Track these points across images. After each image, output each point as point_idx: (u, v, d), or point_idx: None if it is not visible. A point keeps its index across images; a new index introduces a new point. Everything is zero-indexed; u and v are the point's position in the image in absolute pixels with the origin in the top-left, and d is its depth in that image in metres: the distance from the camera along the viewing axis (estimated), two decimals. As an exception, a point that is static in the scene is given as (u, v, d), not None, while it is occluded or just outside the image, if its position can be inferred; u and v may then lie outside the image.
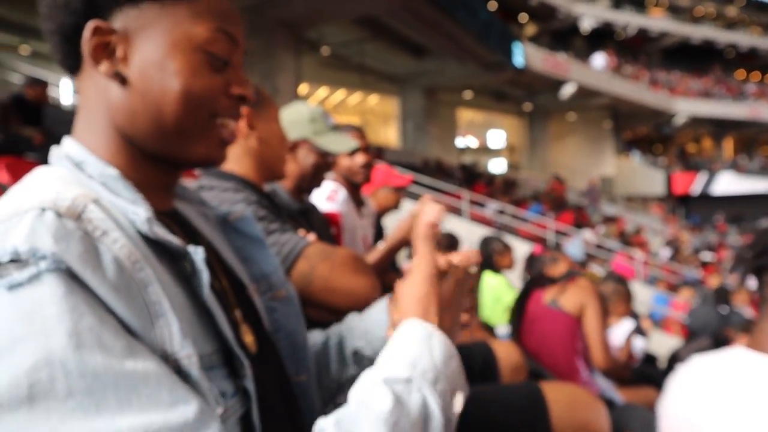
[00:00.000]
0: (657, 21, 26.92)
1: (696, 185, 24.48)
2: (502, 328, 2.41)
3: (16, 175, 2.13)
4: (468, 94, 20.80)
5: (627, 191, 23.18)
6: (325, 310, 1.28)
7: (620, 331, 2.82)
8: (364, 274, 1.26)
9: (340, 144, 1.65)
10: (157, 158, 0.69)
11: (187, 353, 0.56)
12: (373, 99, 21.90)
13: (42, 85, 4.79)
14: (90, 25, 0.63)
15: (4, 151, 2.63)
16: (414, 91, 18.30)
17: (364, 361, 0.92)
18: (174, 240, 0.62)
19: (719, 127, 26.85)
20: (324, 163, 1.67)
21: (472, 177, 15.31)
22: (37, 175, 0.63)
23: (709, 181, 24.61)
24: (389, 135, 19.71)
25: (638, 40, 27.10)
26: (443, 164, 15.27)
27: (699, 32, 27.26)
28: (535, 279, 2.90)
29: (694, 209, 23.84)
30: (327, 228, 1.85)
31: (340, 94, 21.03)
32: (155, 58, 0.64)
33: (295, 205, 1.64)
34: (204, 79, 0.66)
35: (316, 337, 1.00)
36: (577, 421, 1.28)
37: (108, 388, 0.47)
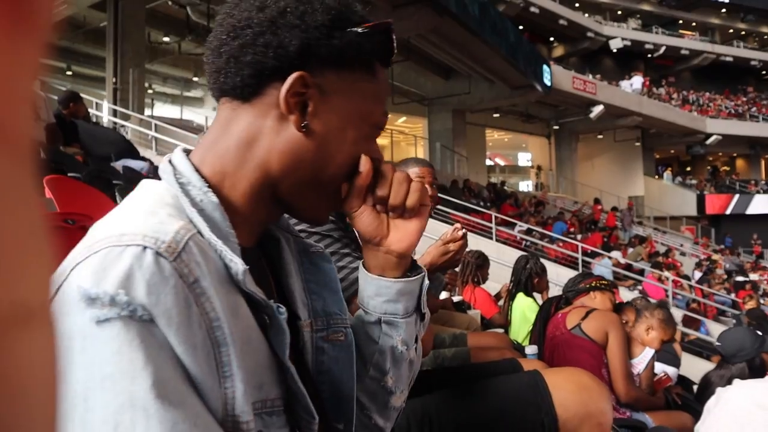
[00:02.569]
0: (688, 41, 26.70)
1: (730, 206, 23.97)
2: (531, 348, 2.44)
3: (59, 191, 2.28)
4: (496, 115, 20.85)
5: (657, 212, 22.83)
6: None
7: (641, 359, 2.79)
8: None
9: None
10: (280, 203, 0.73)
11: (246, 419, 0.57)
12: (402, 119, 22.10)
13: (75, 100, 4.74)
14: (297, 75, 0.66)
15: (49, 170, 2.76)
16: (442, 111, 18.42)
17: (380, 325, 0.83)
18: (260, 294, 0.64)
19: (753, 148, 26.34)
20: None
21: (500, 197, 15.30)
22: (145, 190, 0.66)
23: (744, 202, 24.07)
24: (418, 155, 19.82)
25: (669, 60, 26.88)
26: (471, 184, 15.30)
27: (731, 51, 26.95)
28: (553, 300, 2.92)
29: (727, 230, 23.28)
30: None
31: (368, 114, 21.22)
32: (340, 122, 0.71)
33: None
34: (363, 150, 0.74)
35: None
36: (580, 402, 1.31)
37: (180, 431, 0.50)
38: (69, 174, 3.02)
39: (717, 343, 2.95)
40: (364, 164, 0.73)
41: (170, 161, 0.70)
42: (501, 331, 3.71)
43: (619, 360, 2.52)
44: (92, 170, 3.47)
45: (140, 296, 0.52)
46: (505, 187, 18.21)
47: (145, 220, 0.58)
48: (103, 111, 9.88)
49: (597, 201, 18.46)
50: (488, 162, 25.13)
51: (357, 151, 0.73)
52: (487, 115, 20.56)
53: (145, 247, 0.54)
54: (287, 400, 0.66)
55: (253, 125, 0.69)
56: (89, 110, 7.13)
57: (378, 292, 0.81)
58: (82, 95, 9.13)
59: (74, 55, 15.24)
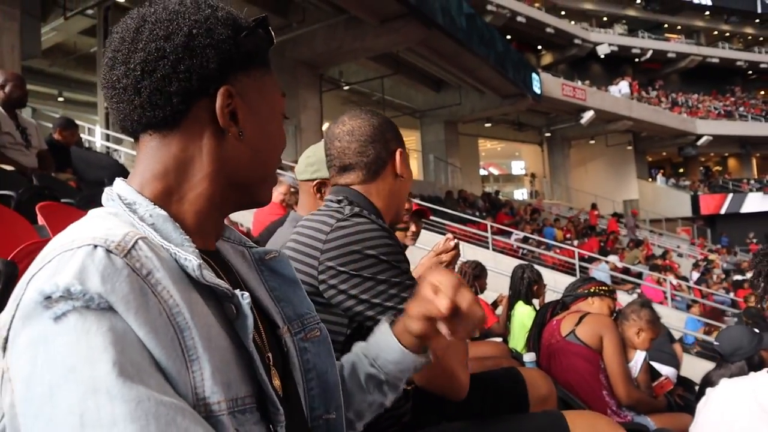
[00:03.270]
0: (674, 44, 26.98)
1: (724, 206, 24.07)
2: (529, 356, 2.43)
3: (52, 218, 2.28)
4: (488, 125, 20.95)
5: (652, 214, 22.91)
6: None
7: (634, 362, 2.78)
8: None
9: None
10: (240, 200, 0.78)
11: (217, 399, 0.58)
12: (394, 132, 22.17)
13: (69, 126, 4.68)
14: (224, 90, 0.70)
15: (42, 197, 2.76)
16: (434, 123, 18.52)
17: (382, 385, 0.93)
18: (222, 284, 0.65)
19: (744, 147, 26.54)
20: None
21: (495, 206, 15.34)
22: (93, 213, 0.68)
23: (737, 201, 24.18)
24: (411, 168, 19.87)
25: (656, 64, 27.13)
26: (466, 195, 15.34)
27: (716, 53, 27.23)
28: (549, 305, 2.92)
29: (723, 230, 23.35)
30: None
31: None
32: (261, 118, 0.76)
33: None
34: (283, 133, 0.83)
35: (345, 359, 1.04)
36: None
37: (149, 416, 0.50)
38: (62, 200, 3.01)
39: (715, 343, 2.95)
40: (444, 306, 0.76)
41: (111, 189, 0.72)
42: (499, 340, 3.71)
43: (617, 363, 2.51)
44: (85, 195, 3.46)
45: (95, 285, 0.53)
46: (500, 196, 18.26)
47: (93, 228, 0.60)
48: (95, 136, 9.89)
49: (594, 206, 18.55)
50: (482, 171, 25.21)
51: (281, 136, 0.81)
52: (479, 125, 20.68)
53: (95, 246, 0.56)
54: (259, 396, 0.67)
55: (189, 146, 0.71)
56: (81, 136, 7.14)
57: (401, 360, 0.89)
58: (75, 121, 9.17)
59: (66, 82, 15.27)
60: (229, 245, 0.85)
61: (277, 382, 0.73)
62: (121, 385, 0.50)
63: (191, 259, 0.63)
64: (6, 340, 0.55)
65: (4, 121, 3.51)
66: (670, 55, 26.44)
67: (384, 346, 0.90)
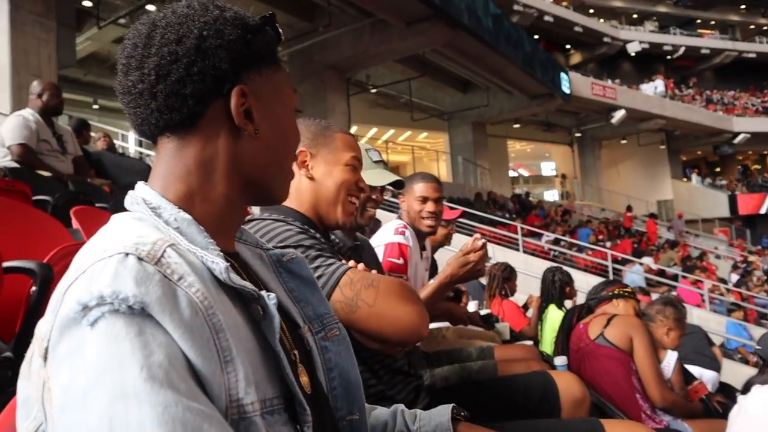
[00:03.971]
0: (707, 40, 26.35)
1: (764, 206, 23.37)
2: (560, 359, 2.39)
3: (86, 221, 2.33)
4: (517, 126, 20.77)
5: (688, 215, 22.39)
6: (367, 337, 1.28)
7: (666, 364, 2.70)
8: (410, 301, 1.22)
9: (377, 179, 1.74)
10: (257, 197, 0.80)
11: (251, 400, 0.59)
12: (423, 135, 22.15)
13: (86, 127, 4.69)
14: (238, 89, 0.71)
15: (77, 201, 2.83)
16: (462, 125, 18.44)
17: None
18: (248, 285, 0.66)
19: (784, 144, 25.77)
20: (366, 197, 1.74)
21: (525, 208, 15.18)
22: (118, 219, 0.69)
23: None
24: (440, 170, 19.84)
25: (689, 61, 26.52)
26: (495, 196, 15.22)
27: (753, 47, 26.48)
28: (575, 309, 2.86)
29: (763, 231, 22.65)
30: (378, 265, 1.94)
31: (389, 132, 21.38)
32: (275, 115, 0.77)
33: (348, 243, 1.74)
34: (297, 129, 0.84)
35: (380, 413, 1.07)
36: None
37: (176, 421, 0.49)
38: (97, 204, 3.09)
39: (757, 347, 2.85)
40: None
41: (134, 193, 0.73)
42: (530, 343, 3.66)
43: (649, 364, 2.44)
44: (119, 199, 3.53)
45: (130, 288, 0.54)
46: (530, 198, 18.07)
47: (123, 236, 0.61)
48: (129, 142, 10.12)
49: (629, 209, 18.23)
50: (512, 173, 25.00)
51: (295, 131, 0.83)
52: (507, 126, 20.51)
53: (127, 254, 0.57)
54: (287, 397, 0.67)
55: (207, 146, 0.73)
56: (115, 141, 7.30)
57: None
58: (109, 127, 9.39)
59: (100, 89, 15.66)
60: (246, 247, 0.87)
61: (305, 379, 0.74)
62: (149, 390, 0.50)
63: (218, 262, 0.64)
64: (46, 350, 0.56)
65: (42, 129, 3.61)
66: (703, 51, 25.82)
67: (438, 427, 1.04)
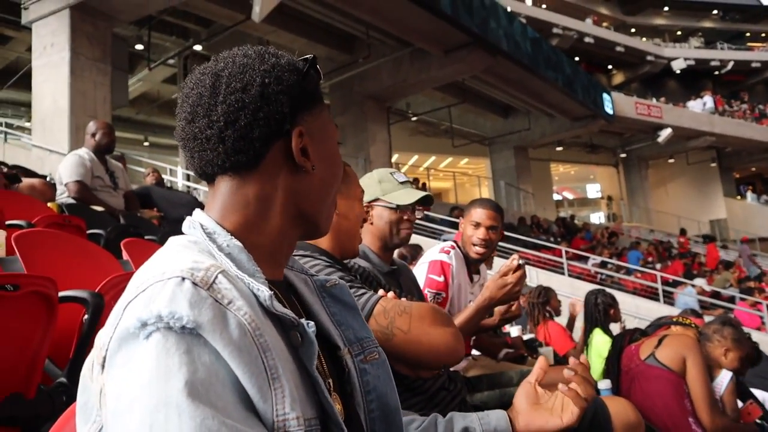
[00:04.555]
0: (758, 53, 25.57)
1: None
2: (604, 383, 2.33)
3: (135, 253, 2.44)
4: (559, 148, 20.54)
5: (743, 234, 21.47)
6: (406, 364, 1.31)
7: (719, 382, 2.59)
8: (444, 325, 1.25)
9: (406, 197, 1.77)
10: (307, 230, 0.84)
11: (296, 415, 0.62)
12: (464, 161, 22.13)
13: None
14: (298, 131, 0.77)
15: (128, 234, 2.96)
16: (504, 149, 18.35)
17: None
18: (289, 313, 0.69)
19: None
20: (398, 218, 1.79)
21: (570, 231, 14.90)
22: (176, 242, 0.74)
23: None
24: (482, 195, 19.75)
25: (739, 75, 25.76)
26: (539, 220, 15.01)
27: (806, 59, 25.54)
28: (627, 332, 2.80)
29: (827, 249, 21.50)
30: (416, 287, 1.96)
31: (430, 159, 21.46)
32: (325, 151, 0.82)
33: (384, 268, 1.76)
34: (341, 162, 0.89)
35: (427, 419, 1.10)
36: None
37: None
38: (146, 237, 3.22)
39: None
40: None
41: (192, 219, 0.79)
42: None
43: (701, 386, 2.36)
44: (167, 232, 3.68)
45: (184, 309, 0.58)
46: (575, 221, 17.73)
47: (180, 259, 0.66)
48: (177, 176, 10.49)
49: (683, 232, 17.63)
50: (556, 196, 24.63)
51: (340, 163, 0.89)
52: (550, 149, 20.30)
53: (183, 278, 0.62)
54: (323, 419, 0.70)
55: (267, 184, 0.78)
56: (164, 177, 7.58)
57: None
58: (158, 163, 9.77)
59: (150, 127, 16.38)
60: (293, 273, 0.91)
61: (338, 407, 0.77)
62: (189, 403, 0.54)
63: (263, 290, 0.68)
64: (104, 359, 0.61)
65: (96, 166, 3.81)
66: (754, 64, 25.05)
67: (495, 415, 1.09)
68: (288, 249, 0.84)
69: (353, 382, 0.88)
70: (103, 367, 0.61)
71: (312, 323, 0.71)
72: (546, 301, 4.39)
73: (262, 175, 0.77)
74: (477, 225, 2.32)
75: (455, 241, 2.40)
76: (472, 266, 2.41)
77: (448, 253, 2.26)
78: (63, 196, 3.73)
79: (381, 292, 1.33)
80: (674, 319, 2.81)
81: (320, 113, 0.82)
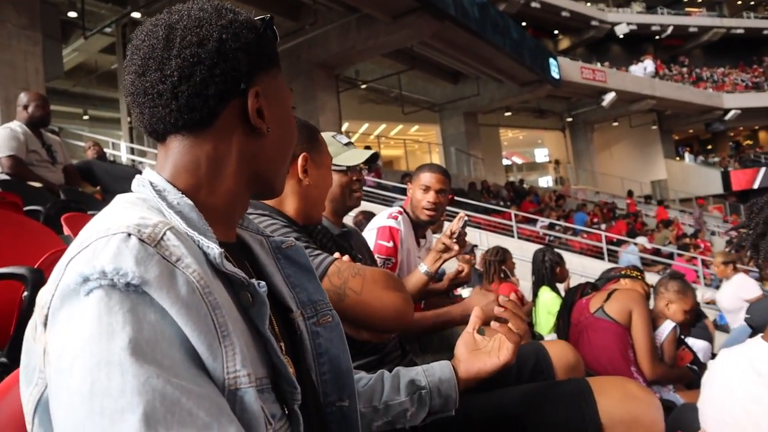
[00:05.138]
0: (695, 18, 26.34)
1: (757, 180, 23.43)
2: (551, 336, 2.44)
3: (77, 228, 2.37)
4: (508, 114, 20.79)
5: (682, 193, 22.44)
6: (355, 326, 1.32)
7: (660, 331, 2.74)
8: (396, 289, 1.27)
9: (354, 158, 1.77)
10: (260, 190, 0.84)
11: (246, 372, 0.61)
12: (414, 128, 22.15)
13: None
14: (254, 91, 0.76)
15: (69, 210, 2.86)
16: (454, 116, 18.45)
17: (416, 394, 1.07)
18: (239, 273, 0.69)
19: (775, 118, 25.85)
20: (348, 180, 1.79)
21: (519, 195, 15.22)
22: (122, 199, 0.72)
23: (772, 174, 23.50)
24: (432, 161, 19.86)
25: (678, 40, 26.52)
26: (489, 185, 15.26)
27: (741, 23, 26.46)
28: (578, 287, 2.91)
29: (758, 205, 22.64)
30: (367, 251, 1.97)
31: (381, 126, 21.39)
32: (280, 113, 0.81)
33: (335, 230, 1.77)
34: (295, 126, 0.88)
35: (372, 375, 1.12)
36: (627, 413, 1.24)
37: (156, 392, 0.52)
38: (89, 212, 3.11)
39: (746, 316, 2.90)
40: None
41: (142, 177, 0.76)
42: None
43: (644, 337, 2.50)
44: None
45: (129, 265, 0.57)
46: (524, 185, 18.11)
47: (126, 216, 0.64)
48: (121, 150, 10.14)
49: (630, 194, 18.24)
50: (505, 161, 25.01)
51: (294, 127, 0.88)
52: (499, 114, 20.53)
53: (129, 234, 0.60)
54: (274, 379, 0.71)
55: (220, 144, 0.76)
56: (106, 150, 7.32)
57: (448, 380, 1.09)
58: (100, 137, 9.39)
59: (90, 100, 15.67)
60: (248, 233, 0.90)
61: (291, 370, 0.77)
62: (133, 362, 0.52)
63: (213, 248, 0.67)
64: (46, 317, 0.59)
65: (30, 140, 3.64)
66: (692, 29, 25.80)
67: (440, 366, 1.11)
68: (241, 210, 0.83)
69: (305, 344, 0.89)
70: (45, 326, 0.59)
71: (263, 283, 0.70)
72: (503, 260, 4.49)
73: (216, 135, 0.75)
74: (426, 189, 2.34)
75: (402, 207, 2.42)
76: (419, 230, 2.45)
77: (396, 218, 2.27)
78: (-4, 172, 3.56)
79: (337, 254, 1.34)
80: (622, 272, 2.93)
81: (276, 75, 0.81)
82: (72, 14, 11.17)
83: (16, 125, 3.63)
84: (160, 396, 0.52)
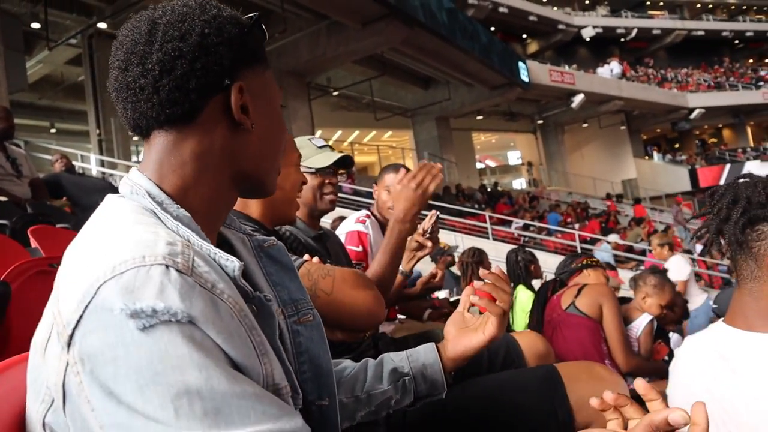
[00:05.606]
0: (658, 20, 26.99)
1: (722, 177, 24.05)
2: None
3: (44, 240, 2.32)
4: (480, 117, 20.99)
5: (652, 192, 22.89)
6: (329, 327, 1.35)
7: (637, 323, 2.79)
8: (366, 287, 1.28)
9: (325, 160, 1.77)
10: (248, 190, 0.83)
11: (284, 384, 0.65)
12: (388, 134, 22.21)
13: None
14: (237, 86, 0.75)
15: (36, 223, 2.80)
16: (426, 121, 18.56)
17: (399, 381, 1.05)
18: (248, 287, 0.71)
19: (737, 116, 26.54)
20: (320, 182, 1.78)
21: (493, 197, 15.35)
22: (126, 208, 0.71)
23: (736, 170, 24.13)
24: (407, 167, 19.89)
25: (642, 42, 27.15)
26: (463, 189, 15.36)
27: (701, 25, 27.22)
28: (548, 284, 2.94)
29: (725, 201, 23.22)
30: (344, 253, 1.97)
31: (354, 133, 21.40)
32: (266, 111, 0.80)
33: (310, 233, 1.76)
34: (284, 125, 0.87)
35: (356, 363, 1.11)
36: (594, 393, 1.26)
37: (232, 405, 0.56)
38: (58, 225, 3.05)
39: (713, 306, 2.96)
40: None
41: (134, 182, 0.75)
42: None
43: (615, 330, 2.53)
44: (81, 219, 3.50)
45: (176, 303, 0.58)
46: (498, 188, 18.28)
47: (152, 238, 0.63)
48: (90, 163, 9.95)
49: (609, 196, 18.47)
50: (479, 165, 25.23)
51: (283, 125, 0.86)
52: (470, 119, 20.71)
53: (167, 266, 0.60)
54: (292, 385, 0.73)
55: (204, 139, 0.75)
56: (75, 164, 7.17)
57: (432, 365, 1.07)
58: (68, 149, 9.18)
59: (57, 112, 15.36)
60: (231, 231, 0.90)
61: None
62: (209, 386, 0.56)
63: (233, 261, 0.68)
64: (70, 337, 0.58)
65: (-7, 154, 3.55)
66: (655, 31, 26.47)
67: (424, 351, 1.09)
68: (225, 210, 0.82)
69: (285, 343, 0.88)
70: (69, 345, 0.58)
71: (270, 296, 0.72)
72: (479, 261, 4.51)
73: (199, 131, 0.75)
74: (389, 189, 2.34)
75: (370, 210, 2.42)
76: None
77: (363, 222, 2.27)
78: (-41, 187, 3.47)
79: (306, 256, 1.34)
80: (584, 263, 2.95)
81: (263, 72, 0.81)
82: (35, 25, 10.94)
83: (-22, 139, 3.55)
84: (236, 406, 0.57)
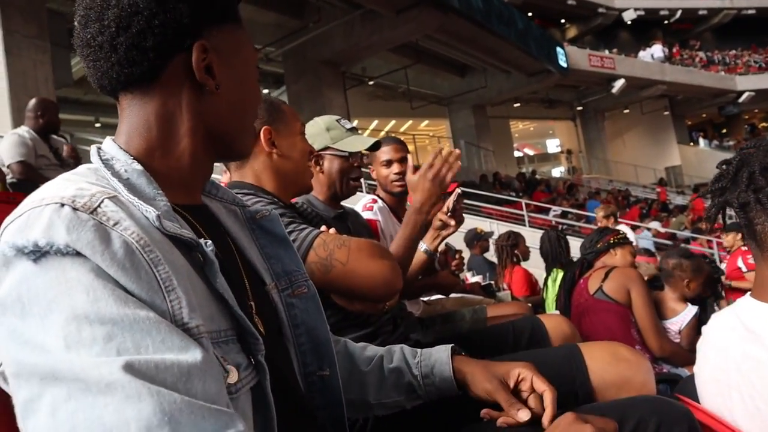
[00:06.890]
0: (704, 0, 25.98)
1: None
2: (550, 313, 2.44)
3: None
4: (517, 105, 20.68)
5: (697, 179, 22.17)
6: (345, 296, 1.33)
7: (682, 317, 2.70)
8: (382, 257, 1.26)
9: (357, 144, 1.73)
10: (221, 152, 0.81)
11: (196, 323, 0.61)
12: (424, 123, 22.10)
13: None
14: (199, 44, 0.72)
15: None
16: (463, 109, 18.37)
17: (412, 394, 1.03)
18: (185, 233, 0.67)
19: (790, 99, 25.42)
20: (349, 166, 1.76)
21: (530, 185, 15.14)
22: (73, 170, 0.71)
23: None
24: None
25: (687, 24, 26.16)
26: (500, 177, 15.20)
27: (752, 3, 26.01)
28: (575, 266, 2.88)
29: (775, 188, 22.35)
30: (369, 231, 1.95)
31: (391, 122, 21.36)
32: (236, 72, 0.78)
33: (331, 213, 1.75)
34: (258, 87, 0.86)
35: (374, 348, 1.09)
36: (617, 375, 1.25)
37: (125, 332, 0.54)
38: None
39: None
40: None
41: (98, 146, 0.75)
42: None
43: (646, 314, 2.47)
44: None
45: (61, 237, 0.57)
46: (537, 176, 18.00)
47: (64, 187, 0.63)
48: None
49: (661, 182, 18.02)
50: (517, 153, 24.90)
51: (256, 88, 0.84)
52: (508, 106, 20.42)
53: (62, 204, 0.59)
54: (239, 331, 0.71)
55: (169, 100, 0.74)
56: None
57: (442, 377, 1.02)
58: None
59: (101, 107, 15.82)
60: (222, 204, 0.89)
61: (260, 328, 0.77)
62: (96, 310, 0.54)
63: (150, 210, 0.65)
64: None
65: (38, 145, 3.69)
66: (701, 12, 25.43)
67: (437, 362, 1.03)
68: (203, 171, 0.81)
69: (281, 316, 0.89)
70: None
71: (210, 242, 0.69)
72: (515, 244, 4.49)
73: (163, 92, 0.73)
74: (388, 163, 2.29)
75: (376, 194, 2.36)
76: (400, 211, 2.36)
77: (371, 209, 2.22)
78: (8, 177, 3.62)
79: (323, 227, 1.34)
80: (611, 241, 2.86)
81: (234, 32, 0.78)
82: (79, 23, 11.27)
83: (24, 131, 3.69)
84: (129, 332, 0.54)
